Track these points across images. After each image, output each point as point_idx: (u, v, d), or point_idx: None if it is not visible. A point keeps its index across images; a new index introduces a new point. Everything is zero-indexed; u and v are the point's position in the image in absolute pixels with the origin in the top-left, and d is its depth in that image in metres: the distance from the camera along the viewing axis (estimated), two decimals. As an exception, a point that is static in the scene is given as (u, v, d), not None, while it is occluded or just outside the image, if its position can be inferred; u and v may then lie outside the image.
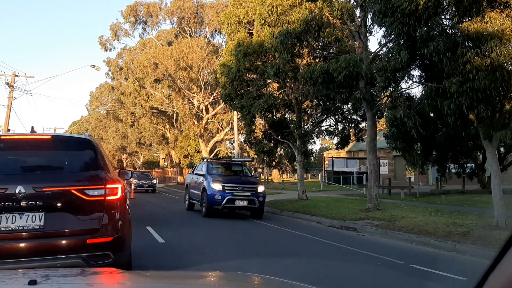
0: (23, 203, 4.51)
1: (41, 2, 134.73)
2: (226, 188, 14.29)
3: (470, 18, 10.16)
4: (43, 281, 1.91)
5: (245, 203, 14.41)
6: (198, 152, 39.99)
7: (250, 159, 23.57)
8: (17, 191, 4.50)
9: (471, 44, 9.85)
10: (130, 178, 6.67)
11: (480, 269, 1.51)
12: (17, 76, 26.96)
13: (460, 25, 10.21)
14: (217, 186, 14.29)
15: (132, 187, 27.63)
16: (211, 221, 13.55)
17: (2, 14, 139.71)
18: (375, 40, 78.78)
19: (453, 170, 23.45)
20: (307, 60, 18.24)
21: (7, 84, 26.29)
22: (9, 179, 4.64)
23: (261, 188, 14.88)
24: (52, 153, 5.26)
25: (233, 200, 14.23)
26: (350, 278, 6.81)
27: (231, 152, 50.74)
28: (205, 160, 17.56)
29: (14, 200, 4.50)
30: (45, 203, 4.59)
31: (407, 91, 14.11)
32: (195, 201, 16.38)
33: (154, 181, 34.50)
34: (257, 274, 2.54)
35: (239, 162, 18.27)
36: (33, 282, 1.75)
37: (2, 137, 5.51)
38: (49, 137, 5.50)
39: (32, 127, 5.68)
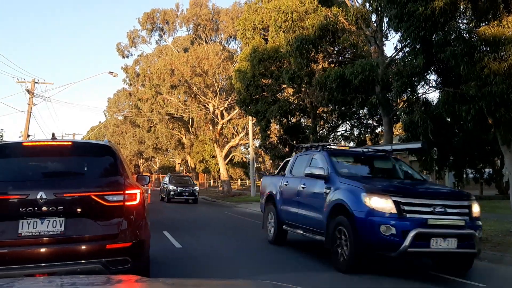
0: (44, 208, 4.58)
1: (60, 10, 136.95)
2: (406, 207, 6.47)
3: (487, 23, 10.09)
4: None
5: (452, 244, 6.41)
6: (213, 157, 40.18)
7: (419, 145, 11.43)
8: (38, 197, 4.57)
9: (488, 49, 9.78)
10: (148, 184, 6.73)
11: (499, 276, 1.52)
12: (36, 83, 27.42)
13: (477, 29, 10.15)
14: (382, 203, 6.49)
15: (149, 193, 27.51)
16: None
17: (22, 22, 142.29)
18: (391, 45, 78.32)
19: (471, 175, 23.14)
20: (322, 65, 18.26)
21: (27, 90, 26.75)
22: (31, 185, 4.72)
23: (476, 208, 6.91)
24: (72, 159, 5.34)
25: (427, 238, 6.33)
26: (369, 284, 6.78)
27: (246, 157, 50.86)
28: (317, 148, 9.07)
29: (35, 205, 4.56)
30: (65, 208, 4.66)
31: (423, 96, 14.03)
32: (299, 230, 8.59)
33: (196, 187, 26.95)
34: (273, 281, 2.54)
35: (386, 153, 9.36)
36: None
37: (24, 143, 5.63)
38: (70, 143, 5.60)
39: (53, 134, 5.79)
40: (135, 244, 4.85)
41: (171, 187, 26.03)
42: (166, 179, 28.05)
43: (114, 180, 5.02)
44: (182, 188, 25.86)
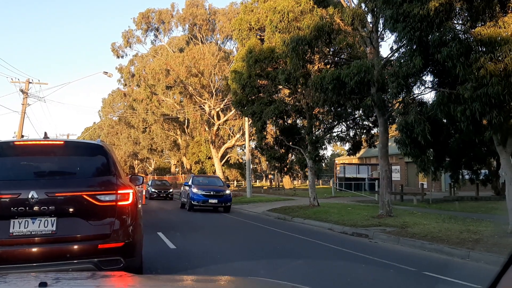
0: (35, 208, 4.54)
1: (55, 10, 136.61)
2: None
3: (483, 23, 10.08)
4: (54, 283, 1.92)
5: None
6: (209, 158, 40.10)
7: None
8: (30, 196, 4.53)
9: (484, 49, 9.76)
10: (142, 184, 6.68)
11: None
12: (31, 83, 27.28)
13: (473, 30, 10.13)
14: None
15: (144, 194, 27.33)
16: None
17: (17, 22, 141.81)
18: (387, 45, 78.41)
19: (467, 176, 23.16)
20: (318, 66, 18.21)
21: (21, 91, 26.60)
22: (22, 184, 4.67)
23: None
24: (64, 158, 5.29)
25: None
26: (361, 285, 6.74)
27: (242, 158, 50.80)
28: None
29: (27, 205, 4.53)
30: (57, 208, 4.62)
31: (419, 97, 14.01)
32: None
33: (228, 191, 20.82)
34: (266, 278, 2.52)
35: None
36: (43, 284, 1.75)
37: (16, 143, 5.57)
38: (62, 142, 5.55)
39: (45, 133, 5.73)
40: (127, 244, 4.82)
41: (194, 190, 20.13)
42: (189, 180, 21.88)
43: (106, 179, 4.99)
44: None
